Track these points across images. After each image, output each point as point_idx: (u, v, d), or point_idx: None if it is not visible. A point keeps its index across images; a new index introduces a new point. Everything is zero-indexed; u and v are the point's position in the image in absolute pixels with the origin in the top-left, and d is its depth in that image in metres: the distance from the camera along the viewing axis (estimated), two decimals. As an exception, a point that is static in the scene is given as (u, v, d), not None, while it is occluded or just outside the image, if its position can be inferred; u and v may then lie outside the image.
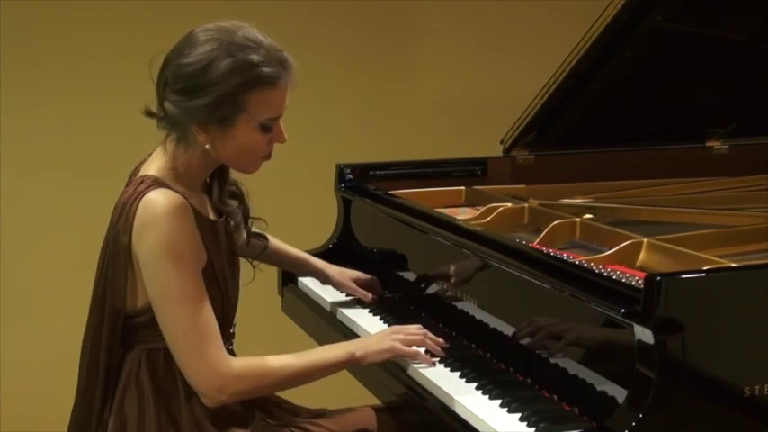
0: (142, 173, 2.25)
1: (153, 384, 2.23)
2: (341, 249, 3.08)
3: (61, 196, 3.89)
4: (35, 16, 3.83)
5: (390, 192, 2.99)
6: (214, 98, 2.13)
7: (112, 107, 3.83)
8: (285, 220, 4.01)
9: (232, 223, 2.36)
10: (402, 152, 3.69)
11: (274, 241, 2.69)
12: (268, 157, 2.27)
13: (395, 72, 4.24)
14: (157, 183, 2.19)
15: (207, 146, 2.19)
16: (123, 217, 2.18)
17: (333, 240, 3.12)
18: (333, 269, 2.79)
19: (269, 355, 2.23)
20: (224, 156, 2.23)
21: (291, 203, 4.06)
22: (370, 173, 3.13)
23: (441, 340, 2.36)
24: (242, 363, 2.18)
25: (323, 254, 3.08)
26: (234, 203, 2.39)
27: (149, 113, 2.26)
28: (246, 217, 2.43)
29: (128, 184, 2.28)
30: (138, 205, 2.15)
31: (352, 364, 2.30)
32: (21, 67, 3.83)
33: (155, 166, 2.25)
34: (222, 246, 2.30)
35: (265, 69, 2.15)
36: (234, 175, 2.39)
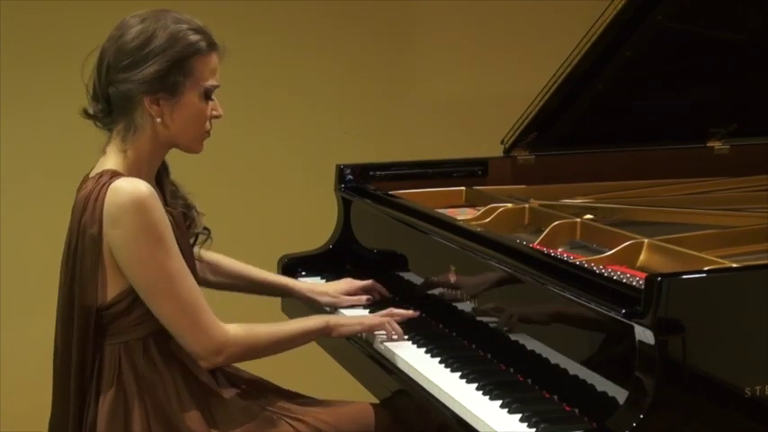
0: (98, 170, 2.28)
1: (135, 377, 2.25)
2: (341, 250, 3.08)
3: (62, 197, 3.87)
4: (35, 16, 3.83)
5: (390, 192, 2.99)
6: (163, 64, 2.22)
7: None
8: (285, 221, 4.03)
9: (188, 213, 2.42)
10: (402, 152, 3.69)
11: (256, 270, 2.71)
12: (208, 133, 2.34)
13: (395, 72, 4.24)
14: (118, 174, 2.24)
15: (158, 119, 2.25)
16: (89, 209, 2.22)
17: (333, 241, 3.11)
18: (326, 293, 2.75)
19: None
20: (173, 130, 2.28)
21: (291, 204, 4.06)
22: (371, 173, 3.12)
23: (410, 312, 2.52)
24: (235, 328, 2.28)
25: (323, 254, 3.08)
26: (180, 198, 2.43)
27: (87, 114, 2.33)
28: (194, 206, 2.45)
29: (80, 188, 2.30)
30: (104, 195, 2.20)
31: (328, 332, 2.44)
32: (21, 68, 3.82)
33: (108, 163, 2.29)
34: (182, 235, 2.33)
35: (200, 37, 2.27)
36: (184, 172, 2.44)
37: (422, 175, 3.16)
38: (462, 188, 3.12)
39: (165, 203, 2.31)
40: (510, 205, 2.81)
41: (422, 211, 2.74)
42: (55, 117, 3.88)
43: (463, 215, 2.84)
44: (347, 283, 2.77)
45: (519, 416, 2.03)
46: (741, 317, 1.92)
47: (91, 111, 2.32)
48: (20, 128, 3.85)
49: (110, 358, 2.26)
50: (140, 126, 2.27)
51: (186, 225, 2.38)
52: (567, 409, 2.06)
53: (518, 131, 3.11)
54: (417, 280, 2.74)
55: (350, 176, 3.11)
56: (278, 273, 3.06)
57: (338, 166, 3.13)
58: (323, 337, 2.49)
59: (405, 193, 3.01)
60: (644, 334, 1.87)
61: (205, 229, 2.45)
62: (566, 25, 3.37)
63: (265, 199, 3.99)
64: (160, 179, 2.37)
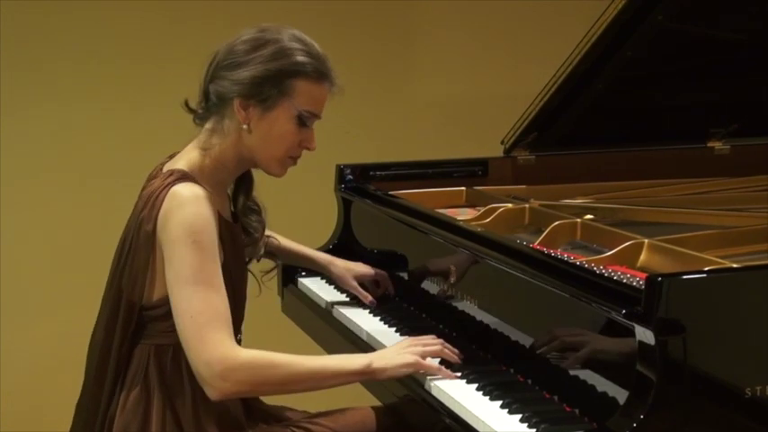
0: (170, 167, 2.28)
1: (160, 380, 2.24)
2: (341, 250, 3.08)
3: (61, 196, 3.89)
4: (35, 16, 3.83)
5: (391, 192, 2.98)
6: (260, 72, 2.20)
7: (113, 107, 3.83)
8: (285, 221, 4.00)
9: (253, 235, 2.40)
10: (402, 152, 3.69)
11: (277, 237, 2.69)
12: (295, 160, 2.33)
13: (395, 72, 4.24)
14: (186, 177, 2.22)
15: (244, 125, 2.22)
16: (149, 206, 2.20)
17: (333, 241, 3.11)
18: (337, 265, 2.76)
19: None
20: (256, 142, 2.25)
21: (292, 204, 4.05)
22: (371, 173, 3.13)
23: (456, 350, 2.29)
24: (250, 352, 2.14)
25: (323, 255, 3.08)
26: (253, 219, 2.42)
27: (188, 108, 2.31)
28: (263, 232, 2.45)
29: (151, 178, 2.30)
30: (165, 195, 2.19)
31: (369, 377, 2.22)
32: (21, 67, 3.82)
33: (184, 160, 2.28)
34: (238, 250, 2.32)
35: (309, 61, 2.25)
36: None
37: (422, 176, 3.16)
38: (462, 188, 3.12)
39: (233, 217, 2.31)
40: (510, 205, 2.81)
41: (422, 212, 2.74)
42: (55, 116, 3.88)
43: (463, 215, 2.84)
44: (362, 267, 2.77)
45: (519, 416, 2.03)
46: (742, 317, 1.91)
47: (193, 105, 2.31)
48: (20, 127, 3.85)
49: (139, 357, 2.25)
50: (227, 129, 2.25)
51: (245, 243, 2.37)
52: (568, 409, 2.06)
53: (518, 131, 3.11)
54: (417, 280, 2.73)
55: (350, 176, 3.11)
56: (278, 273, 3.07)
57: (338, 166, 3.13)
58: (366, 380, 2.28)
59: (405, 194, 3.01)
60: (644, 334, 1.86)
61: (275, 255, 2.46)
62: (566, 25, 3.37)
63: (265, 199, 3.98)
64: (237, 193, 2.37)
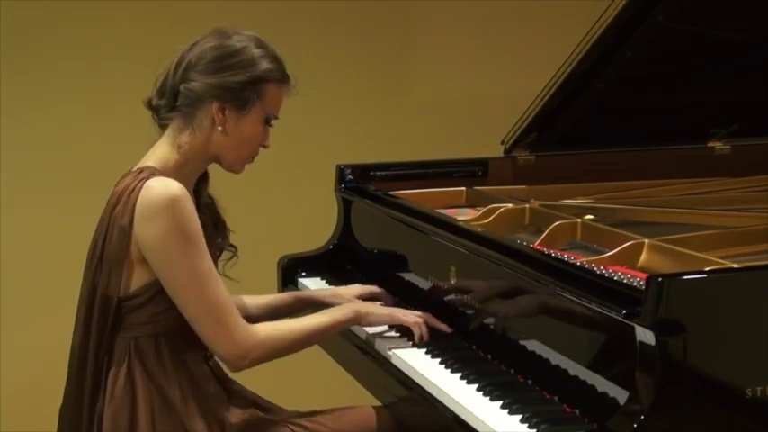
0: (140, 165, 2.31)
1: (143, 372, 2.26)
2: (341, 250, 3.08)
3: (61, 196, 3.89)
4: (35, 16, 3.82)
5: (391, 192, 2.98)
6: (246, 77, 2.28)
7: (113, 108, 3.83)
8: (285, 221, 4.03)
9: (219, 228, 2.44)
10: (402, 152, 3.68)
11: (263, 298, 2.63)
12: (252, 159, 2.39)
13: (395, 72, 4.24)
14: (158, 172, 2.27)
15: (219, 127, 2.29)
16: (123, 202, 2.24)
17: (333, 241, 3.11)
18: (342, 296, 2.67)
19: None
20: (229, 143, 2.31)
21: (292, 204, 4.06)
22: (371, 173, 3.13)
23: (426, 334, 2.43)
24: (264, 327, 2.30)
25: (323, 254, 3.08)
26: (214, 211, 2.45)
27: (150, 105, 2.35)
28: (226, 225, 2.48)
29: (118, 183, 2.31)
30: (139, 189, 2.22)
31: (356, 321, 2.43)
32: (21, 67, 3.82)
33: (154, 158, 2.32)
34: (210, 243, 2.33)
35: (275, 66, 2.34)
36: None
37: (422, 176, 3.16)
38: (463, 188, 3.12)
39: (199, 211, 2.32)
40: (510, 205, 2.81)
41: (422, 212, 2.74)
42: (55, 116, 3.88)
43: (463, 215, 2.84)
44: (357, 290, 2.75)
45: (519, 416, 2.03)
46: (742, 317, 1.91)
47: (153, 103, 2.35)
48: (20, 127, 3.85)
49: (119, 352, 2.27)
50: (198, 128, 2.30)
51: (215, 237, 2.41)
52: (568, 409, 2.06)
53: (518, 132, 3.11)
54: (417, 280, 2.73)
55: (350, 176, 3.11)
56: (278, 273, 3.07)
57: (338, 167, 3.13)
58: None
59: (405, 194, 3.01)
60: (645, 334, 1.86)
61: (232, 246, 2.48)
62: (566, 25, 3.37)
63: (265, 199, 3.99)
64: (198, 188, 2.40)
